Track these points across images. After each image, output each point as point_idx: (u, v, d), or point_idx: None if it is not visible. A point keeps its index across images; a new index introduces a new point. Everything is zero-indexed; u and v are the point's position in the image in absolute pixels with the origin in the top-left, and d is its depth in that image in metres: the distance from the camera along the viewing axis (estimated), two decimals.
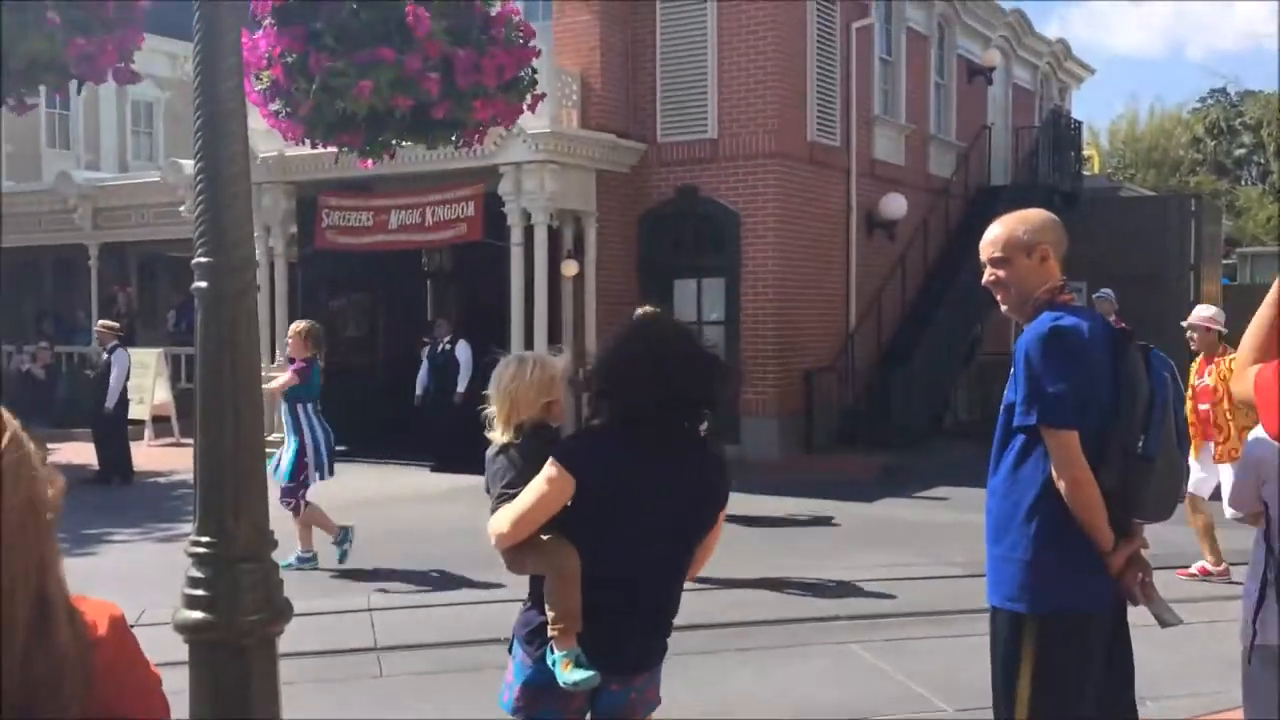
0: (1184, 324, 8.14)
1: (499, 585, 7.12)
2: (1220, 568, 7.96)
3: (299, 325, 8.72)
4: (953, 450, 13.89)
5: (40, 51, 5.01)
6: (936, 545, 9.29)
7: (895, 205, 16.75)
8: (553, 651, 2.94)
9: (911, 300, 17.48)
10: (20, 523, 1.17)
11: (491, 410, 3.30)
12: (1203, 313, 8.06)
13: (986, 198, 19.02)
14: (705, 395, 3.04)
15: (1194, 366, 8.01)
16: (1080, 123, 24.08)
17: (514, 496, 3.04)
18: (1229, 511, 3.29)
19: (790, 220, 14.98)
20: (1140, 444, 3.01)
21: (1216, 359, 7.83)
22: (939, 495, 11.96)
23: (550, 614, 2.95)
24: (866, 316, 16.48)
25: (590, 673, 2.91)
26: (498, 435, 3.26)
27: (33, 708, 1.14)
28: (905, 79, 17.94)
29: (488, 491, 3.28)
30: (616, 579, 2.96)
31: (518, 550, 3.03)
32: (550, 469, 2.94)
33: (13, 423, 1.22)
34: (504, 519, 3.01)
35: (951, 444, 14.67)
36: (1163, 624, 3.15)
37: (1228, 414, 7.64)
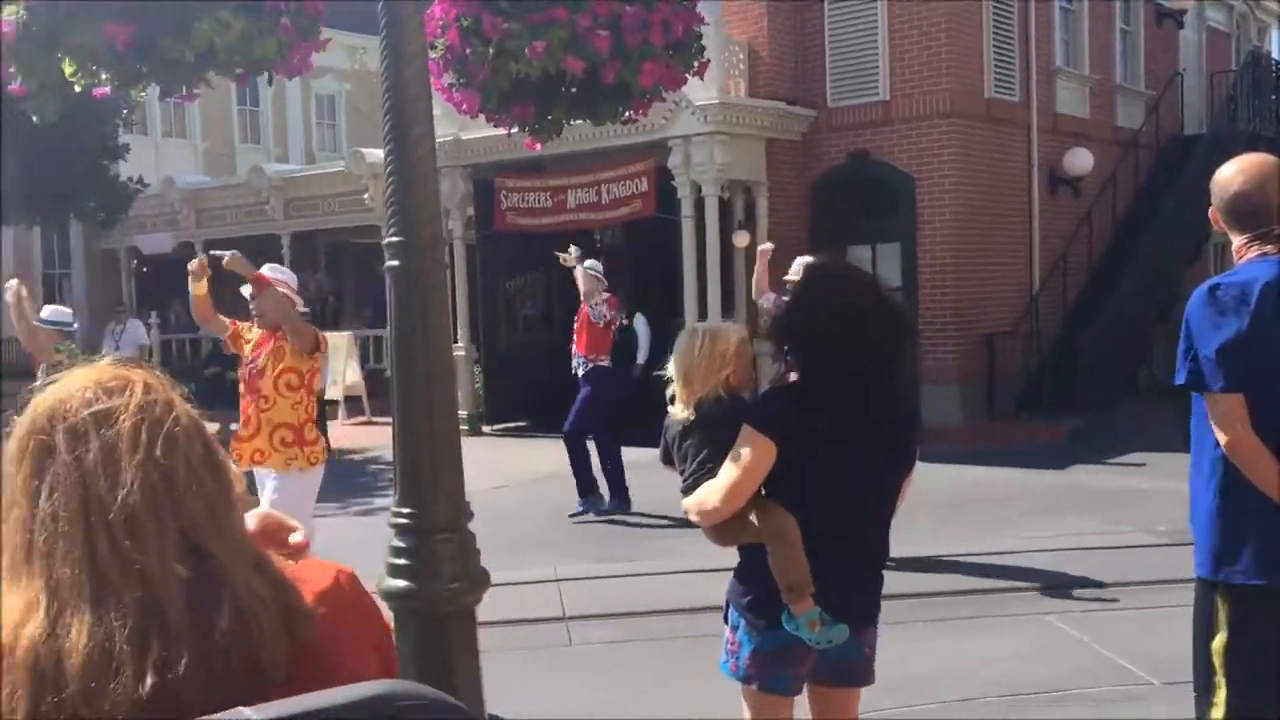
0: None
1: (678, 555, 7.21)
2: None
3: None
4: (1149, 412, 13.22)
5: (268, 54, 5.24)
6: (1136, 512, 8.89)
7: (1080, 160, 16.03)
8: (791, 617, 2.90)
9: (1100, 258, 16.71)
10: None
11: (672, 386, 3.26)
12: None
13: (1180, 148, 18.04)
14: (893, 343, 2.97)
15: None
16: None
17: (710, 472, 2.99)
18: None
19: (968, 181, 14.51)
20: None
21: None
22: (1135, 461, 11.43)
23: (782, 581, 2.89)
24: (1051, 277, 15.85)
25: (841, 625, 2.89)
26: (679, 411, 3.20)
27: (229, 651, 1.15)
28: (1088, 27, 17.09)
29: (665, 463, 3.26)
30: (831, 534, 2.92)
31: (728, 524, 2.98)
32: (750, 436, 2.90)
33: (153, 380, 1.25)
34: (712, 495, 2.95)
35: (1148, 406, 13.97)
36: None
37: None
